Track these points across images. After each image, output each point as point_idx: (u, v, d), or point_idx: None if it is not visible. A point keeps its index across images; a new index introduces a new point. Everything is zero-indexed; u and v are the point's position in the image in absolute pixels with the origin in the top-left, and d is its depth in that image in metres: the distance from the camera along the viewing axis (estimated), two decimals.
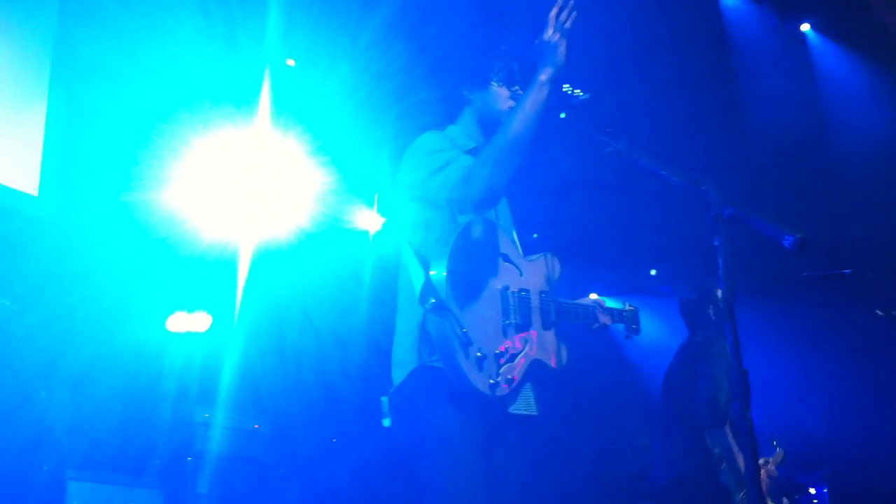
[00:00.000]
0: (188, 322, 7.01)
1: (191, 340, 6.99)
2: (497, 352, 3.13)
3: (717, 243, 2.87)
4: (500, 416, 3.24)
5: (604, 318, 3.68)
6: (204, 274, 7.28)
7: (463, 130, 3.58)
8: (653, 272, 9.88)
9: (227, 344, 7.26)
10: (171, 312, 6.96)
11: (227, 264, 7.45)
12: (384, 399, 3.28)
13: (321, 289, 7.52)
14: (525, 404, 3.33)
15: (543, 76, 3.21)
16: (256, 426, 6.99)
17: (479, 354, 3.06)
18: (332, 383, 7.42)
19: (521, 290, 3.32)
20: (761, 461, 6.13)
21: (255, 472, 6.84)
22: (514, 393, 3.23)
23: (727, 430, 5.38)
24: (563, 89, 3.30)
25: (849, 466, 7.93)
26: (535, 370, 3.33)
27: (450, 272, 3.06)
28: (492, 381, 3.08)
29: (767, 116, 8.13)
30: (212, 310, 7.31)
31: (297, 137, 7.53)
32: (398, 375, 3.27)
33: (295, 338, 7.42)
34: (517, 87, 3.50)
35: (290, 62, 7.68)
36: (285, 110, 7.50)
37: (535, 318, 3.35)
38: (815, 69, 8.28)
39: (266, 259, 7.64)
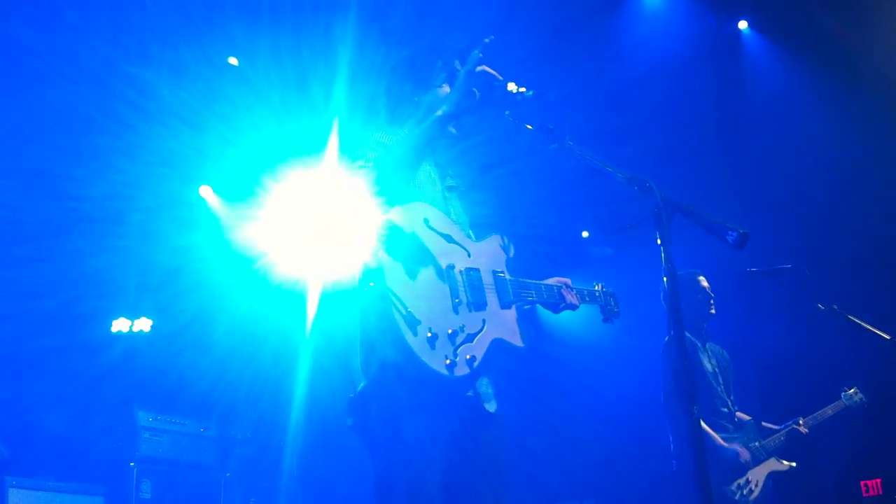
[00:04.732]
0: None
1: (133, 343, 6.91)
2: (450, 331, 3.06)
3: (659, 240, 2.89)
4: (463, 410, 3.18)
5: (570, 298, 3.58)
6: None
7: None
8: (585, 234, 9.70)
9: (171, 347, 7.20)
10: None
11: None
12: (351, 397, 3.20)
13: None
14: (486, 402, 3.28)
15: (440, 112, 3.23)
16: (202, 430, 6.91)
17: (429, 334, 2.99)
18: (281, 384, 7.36)
19: (469, 269, 3.26)
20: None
21: (201, 477, 6.76)
22: (475, 376, 3.16)
23: None
24: (509, 88, 3.30)
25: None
26: (499, 352, 3.26)
27: (384, 255, 3.05)
28: (448, 360, 3.01)
29: (700, 114, 8.20)
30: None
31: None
32: (358, 382, 3.20)
33: (237, 339, 7.35)
34: None
35: (233, 60, 7.62)
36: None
37: (491, 297, 3.29)
38: (747, 67, 8.38)
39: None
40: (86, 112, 6.80)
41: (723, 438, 5.65)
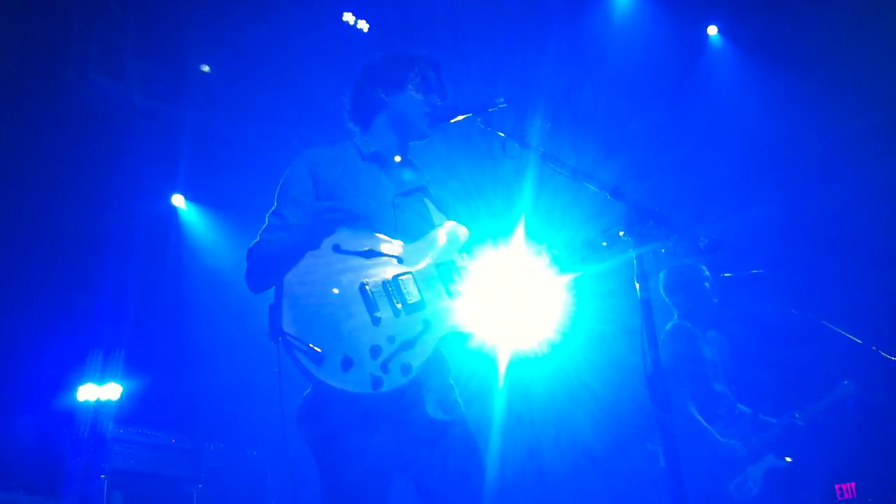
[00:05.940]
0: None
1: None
2: (372, 346, 3.05)
3: (634, 247, 2.89)
4: (405, 421, 3.16)
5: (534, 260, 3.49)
6: None
7: (372, 136, 3.57)
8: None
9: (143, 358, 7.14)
10: None
11: None
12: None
13: None
14: (441, 409, 3.25)
15: (299, 238, 3.20)
16: (173, 440, 6.84)
17: (342, 358, 3.00)
18: (254, 395, 7.31)
19: (395, 276, 3.21)
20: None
21: (172, 489, 6.69)
22: (415, 383, 3.12)
23: None
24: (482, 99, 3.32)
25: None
26: (458, 344, 3.26)
27: (283, 299, 3.09)
28: (373, 374, 3.01)
29: (669, 119, 8.23)
30: None
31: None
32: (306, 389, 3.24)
33: (210, 350, 7.32)
34: (434, 95, 3.52)
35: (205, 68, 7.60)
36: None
37: (430, 294, 3.25)
38: (715, 72, 8.43)
39: None
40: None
41: (719, 433, 5.54)
